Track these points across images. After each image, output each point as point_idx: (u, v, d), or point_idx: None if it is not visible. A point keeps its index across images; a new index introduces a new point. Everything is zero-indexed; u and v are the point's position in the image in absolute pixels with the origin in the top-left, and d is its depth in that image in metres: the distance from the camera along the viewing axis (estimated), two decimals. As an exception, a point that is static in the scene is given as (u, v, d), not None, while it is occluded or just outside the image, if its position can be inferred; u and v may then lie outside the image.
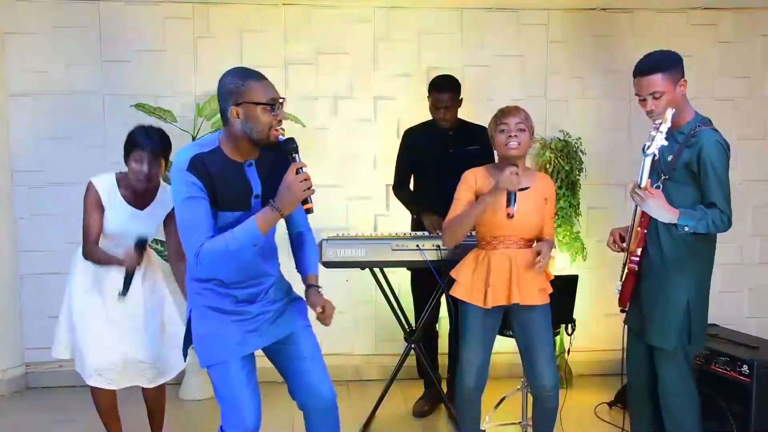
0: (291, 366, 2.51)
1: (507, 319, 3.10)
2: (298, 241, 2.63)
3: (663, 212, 2.64)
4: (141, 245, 2.95)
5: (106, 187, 3.00)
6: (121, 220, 2.99)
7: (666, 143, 2.54)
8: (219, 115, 4.07)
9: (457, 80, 3.86)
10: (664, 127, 2.52)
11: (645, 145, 2.56)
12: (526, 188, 2.98)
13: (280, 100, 2.28)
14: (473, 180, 3.01)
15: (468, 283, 3.00)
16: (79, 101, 4.32)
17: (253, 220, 2.23)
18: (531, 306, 2.97)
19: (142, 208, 3.05)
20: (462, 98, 3.85)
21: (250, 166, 2.34)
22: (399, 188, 4.02)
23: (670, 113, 2.54)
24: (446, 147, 3.81)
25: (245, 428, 2.40)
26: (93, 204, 2.99)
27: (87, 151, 4.28)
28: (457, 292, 3.03)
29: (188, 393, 4.24)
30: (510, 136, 2.90)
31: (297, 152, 2.27)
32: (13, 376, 4.35)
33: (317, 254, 2.67)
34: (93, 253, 3.00)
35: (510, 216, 2.85)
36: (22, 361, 4.40)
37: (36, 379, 4.41)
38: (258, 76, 2.29)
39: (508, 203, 2.85)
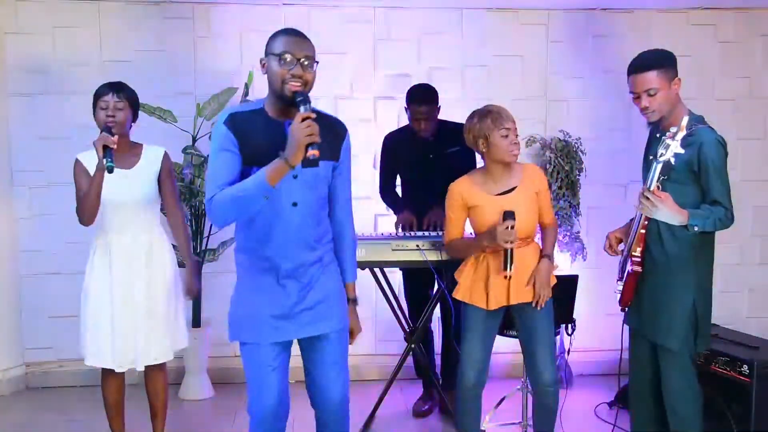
0: (314, 365, 2.53)
1: (508, 318, 3.10)
2: (336, 236, 2.56)
3: (673, 215, 2.63)
4: (107, 130, 2.99)
5: (91, 158, 3.04)
6: (111, 184, 2.99)
7: (683, 151, 2.53)
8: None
9: (434, 90, 3.82)
10: (680, 135, 2.51)
11: (658, 152, 2.54)
12: (514, 188, 2.96)
13: (301, 58, 2.28)
14: (459, 196, 2.97)
15: (468, 285, 3.01)
16: (79, 101, 4.31)
17: (262, 170, 2.25)
18: (532, 302, 2.97)
19: (128, 168, 3.09)
20: (440, 106, 3.83)
21: (290, 125, 2.32)
22: (384, 191, 4.04)
23: (685, 121, 2.53)
24: (426, 152, 3.81)
25: (263, 409, 2.45)
26: (81, 174, 3.07)
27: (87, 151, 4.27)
28: (458, 294, 3.03)
29: (188, 393, 4.24)
30: (514, 143, 2.88)
31: (306, 104, 2.26)
32: (13, 376, 4.34)
33: (355, 255, 2.60)
34: (84, 201, 2.99)
35: (507, 278, 2.88)
36: (22, 361, 4.40)
37: (36, 379, 4.40)
38: (289, 32, 2.34)
39: (504, 266, 2.86)
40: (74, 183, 3.08)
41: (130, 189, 3.09)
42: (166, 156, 3.20)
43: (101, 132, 2.99)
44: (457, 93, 4.35)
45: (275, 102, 2.36)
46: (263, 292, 2.42)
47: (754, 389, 3.25)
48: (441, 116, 3.89)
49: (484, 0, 4.47)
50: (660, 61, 2.74)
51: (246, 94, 4.12)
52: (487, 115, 2.92)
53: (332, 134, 2.42)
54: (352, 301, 2.60)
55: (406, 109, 3.84)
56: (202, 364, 4.25)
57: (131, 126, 3.17)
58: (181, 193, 4.04)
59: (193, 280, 3.25)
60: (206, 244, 4.20)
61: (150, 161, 3.15)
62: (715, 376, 3.39)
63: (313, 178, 2.36)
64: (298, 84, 2.28)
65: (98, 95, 3.10)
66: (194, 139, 4.13)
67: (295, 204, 2.36)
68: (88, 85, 4.28)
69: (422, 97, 3.76)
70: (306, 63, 2.30)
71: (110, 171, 2.88)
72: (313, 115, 2.22)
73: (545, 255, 3.03)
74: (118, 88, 3.10)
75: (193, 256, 3.36)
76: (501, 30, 4.53)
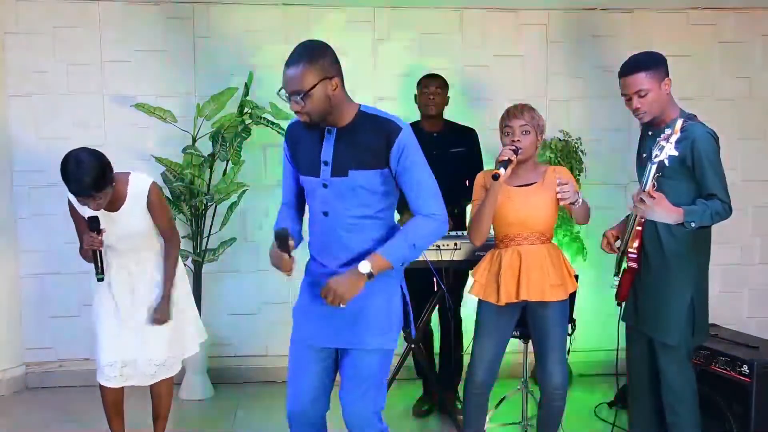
0: (342, 375, 2.50)
1: (524, 317, 3.10)
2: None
3: (668, 215, 2.64)
4: (94, 225, 2.90)
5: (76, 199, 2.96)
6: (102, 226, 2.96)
7: (677, 153, 2.56)
8: (219, 115, 4.13)
9: (445, 79, 3.93)
10: (674, 138, 2.54)
11: (653, 153, 2.58)
12: (532, 183, 2.99)
13: (291, 95, 2.25)
14: (483, 180, 3.05)
15: (483, 281, 3.03)
16: (79, 101, 4.31)
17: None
18: (545, 302, 2.97)
19: (115, 210, 2.98)
20: (449, 96, 3.91)
21: (329, 132, 2.35)
22: None
23: (679, 124, 2.56)
24: (431, 149, 3.81)
25: (289, 408, 2.51)
26: (75, 215, 3.06)
27: (87, 151, 4.27)
28: (473, 289, 3.07)
29: (188, 393, 4.23)
30: (513, 141, 2.90)
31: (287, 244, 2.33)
32: (13, 376, 4.34)
33: (405, 236, 2.36)
34: (84, 256, 3.08)
35: (495, 177, 2.81)
36: (22, 361, 4.40)
37: (36, 379, 4.40)
38: (286, 63, 2.26)
39: (499, 166, 2.83)
40: (72, 220, 3.09)
41: (120, 230, 2.99)
42: (152, 188, 3.01)
43: (87, 230, 2.88)
44: (457, 93, 4.35)
45: None
46: (307, 294, 2.50)
47: (754, 389, 3.25)
48: (445, 117, 3.91)
49: (484, 0, 4.47)
50: (648, 62, 2.78)
51: (246, 94, 4.12)
52: (502, 115, 3.02)
53: (374, 141, 2.31)
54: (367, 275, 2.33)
55: (415, 96, 3.90)
56: (202, 364, 4.25)
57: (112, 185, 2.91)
58: (181, 194, 4.03)
59: (163, 308, 3.08)
60: (206, 244, 4.20)
61: (136, 198, 2.99)
62: (715, 376, 3.39)
63: (345, 189, 2.32)
64: (303, 118, 2.29)
65: (72, 192, 2.85)
66: (194, 139, 4.12)
67: (325, 213, 2.38)
68: (88, 85, 4.32)
69: (433, 76, 3.90)
70: (297, 98, 2.24)
71: (100, 281, 2.95)
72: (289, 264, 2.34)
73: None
74: (85, 189, 2.77)
75: (169, 288, 3.13)
76: (501, 30, 4.53)
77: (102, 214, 2.94)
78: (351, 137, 2.34)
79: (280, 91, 2.28)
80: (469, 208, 3.42)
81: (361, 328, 2.40)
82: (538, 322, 3.02)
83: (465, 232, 3.65)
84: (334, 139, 2.35)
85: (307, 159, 2.37)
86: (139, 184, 3.01)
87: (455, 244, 3.51)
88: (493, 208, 2.90)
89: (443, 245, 3.49)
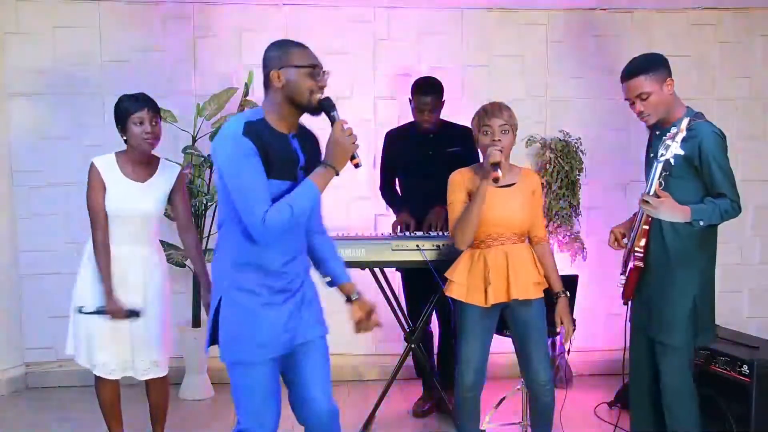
0: (295, 376, 2.43)
1: (504, 317, 3.10)
2: (322, 246, 2.58)
3: (675, 213, 2.66)
4: (134, 315, 3.01)
5: (106, 164, 3.05)
6: (122, 195, 3.02)
7: (682, 152, 2.58)
8: (219, 115, 4.13)
9: (440, 82, 3.84)
10: (680, 137, 2.56)
11: (659, 152, 2.60)
12: (512, 184, 2.98)
13: (323, 70, 2.35)
14: (461, 180, 2.99)
15: (464, 282, 3.00)
16: (79, 101, 4.32)
17: (309, 182, 2.27)
18: (526, 301, 2.97)
19: (142, 182, 3.08)
20: (444, 100, 3.84)
21: (294, 137, 2.36)
22: (384, 189, 4.05)
23: (685, 123, 2.57)
24: (427, 149, 3.82)
25: None
26: (95, 182, 3.03)
27: (87, 151, 4.23)
28: (453, 292, 3.02)
29: (188, 393, 4.24)
30: (494, 140, 2.87)
31: (335, 110, 2.32)
32: (13, 376, 4.35)
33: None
34: (100, 249, 3.01)
35: (495, 180, 2.80)
36: (22, 361, 4.40)
37: (36, 379, 4.41)
38: (299, 45, 2.38)
39: (494, 168, 2.81)
40: (87, 188, 3.04)
41: (141, 203, 3.06)
42: (180, 175, 3.19)
43: (128, 314, 3.00)
44: (457, 93, 4.35)
45: (284, 112, 2.31)
46: (264, 305, 2.32)
47: (754, 389, 3.24)
48: (442, 116, 3.90)
49: (484, 0, 4.47)
50: (647, 65, 2.77)
51: (246, 94, 4.12)
52: (477, 113, 2.97)
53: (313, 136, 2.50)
54: (357, 300, 2.63)
55: (410, 100, 3.85)
56: (202, 364, 4.25)
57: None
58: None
59: (208, 296, 3.09)
60: (206, 244, 4.20)
61: (165, 178, 3.13)
62: (715, 376, 3.39)
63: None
64: (322, 95, 2.33)
65: (129, 110, 3.01)
66: (194, 139, 4.13)
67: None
68: (88, 85, 4.32)
69: (428, 88, 3.79)
70: (325, 74, 2.36)
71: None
72: (347, 122, 2.29)
73: (558, 292, 3.03)
74: (149, 102, 3.04)
75: (207, 273, 3.10)
76: (501, 30, 4.54)
77: (130, 183, 3.04)
78: (306, 140, 2.42)
79: (312, 67, 2.33)
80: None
81: (321, 317, 2.55)
82: (521, 321, 3.01)
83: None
84: (299, 144, 2.37)
85: (280, 163, 2.26)
86: (170, 168, 3.19)
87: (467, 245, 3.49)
88: (481, 209, 2.87)
89: (443, 245, 3.49)
